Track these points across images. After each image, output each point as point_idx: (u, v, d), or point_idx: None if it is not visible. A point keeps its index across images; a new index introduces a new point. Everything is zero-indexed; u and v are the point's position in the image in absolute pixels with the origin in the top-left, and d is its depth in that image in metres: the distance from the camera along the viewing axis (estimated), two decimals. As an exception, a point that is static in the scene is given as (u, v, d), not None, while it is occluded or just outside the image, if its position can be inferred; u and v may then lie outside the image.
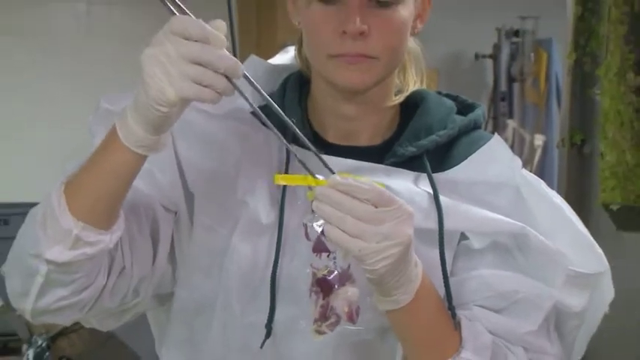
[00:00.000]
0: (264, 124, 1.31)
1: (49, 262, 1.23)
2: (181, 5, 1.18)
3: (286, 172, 1.31)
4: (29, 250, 1.25)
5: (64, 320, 1.34)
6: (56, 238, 1.22)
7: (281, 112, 1.22)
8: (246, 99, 1.22)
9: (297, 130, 1.23)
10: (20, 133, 6.38)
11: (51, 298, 1.27)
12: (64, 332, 3.58)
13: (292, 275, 1.32)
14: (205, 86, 1.12)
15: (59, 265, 1.23)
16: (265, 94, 1.22)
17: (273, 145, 1.36)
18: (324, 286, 1.21)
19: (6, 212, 5.99)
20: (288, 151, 1.32)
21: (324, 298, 1.21)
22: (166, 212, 1.36)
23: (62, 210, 1.22)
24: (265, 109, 1.33)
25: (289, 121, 1.23)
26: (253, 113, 1.36)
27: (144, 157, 1.21)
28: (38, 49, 6.53)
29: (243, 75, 1.16)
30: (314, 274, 1.22)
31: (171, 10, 1.17)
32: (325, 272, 1.21)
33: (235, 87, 1.16)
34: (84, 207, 1.22)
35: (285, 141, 1.23)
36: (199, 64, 1.11)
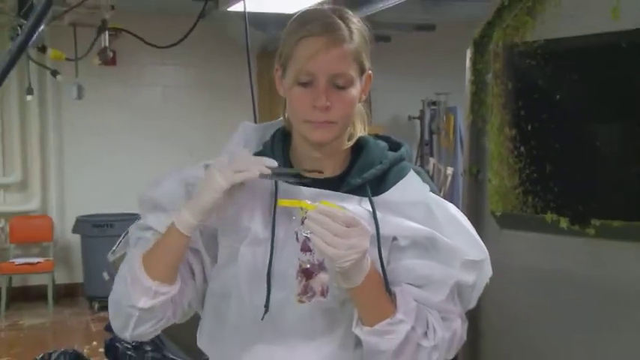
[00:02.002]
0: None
1: (139, 309, 1.28)
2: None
3: (275, 199, 1.30)
4: (126, 303, 1.29)
5: (150, 337, 1.39)
6: (142, 293, 1.27)
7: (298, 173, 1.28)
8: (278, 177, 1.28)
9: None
10: (121, 170, 6.37)
11: (142, 329, 1.32)
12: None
13: (281, 270, 1.29)
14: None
15: (146, 310, 1.28)
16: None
17: (262, 186, 1.32)
18: (306, 273, 1.22)
19: (112, 219, 5.99)
20: (276, 186, 1.31)
21: (306, 281, 1.22)
22: (192, 253, 1.35)
23: (142, 275, 1.27)
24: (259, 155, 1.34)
25: (304, 171, 1.28)
26: None
27: (189, 237, 1.27)
28: (129, 114, 6.55)
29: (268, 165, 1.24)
30: (300, 265, 1.22)
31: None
32: (308, 264, 1.22)
33: (271, 170, 1.24)
34: (156, 272, 1.27)
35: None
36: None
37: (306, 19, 1.28)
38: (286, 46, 1.29)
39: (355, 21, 1.29)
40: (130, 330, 1.30)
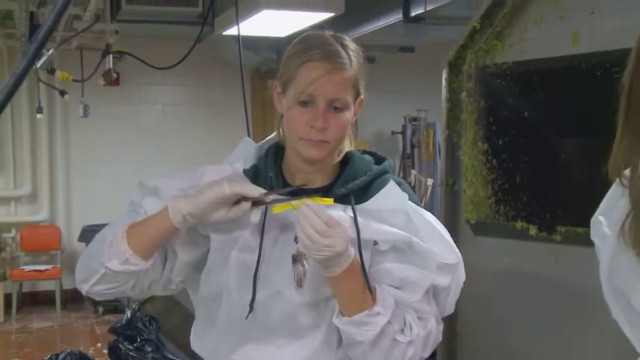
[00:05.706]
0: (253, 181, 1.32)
1: (107, 268, 1.26)
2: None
3: (265, 208, 1.27)
4: (97, 260, 1.27)
5: (104, 299, 1.36)
6: (115, 255, 1.25)
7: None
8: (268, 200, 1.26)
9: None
10: (124, 182, 6.30)
11: (99, 288, 1.30)
12: (149, 299, 3.50)
13: (267, 274, 1.28)
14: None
15: (112, 272, 1.26)
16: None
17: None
18: (294, 259, 1.23)
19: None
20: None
21: (294, 264, 1.23)
22: (171, 247, 1.33)
23: (122, 240, 1.25)
24: (252, 169, 1.35)
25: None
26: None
27: (177, 229, 1.26)
28: (132, 130, 6.54)
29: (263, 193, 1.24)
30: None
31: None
32: (297, 250, 1.23)
33: (266, 196, 1.24)
34: (135, 243, 1.25)
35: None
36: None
37: (309, 44, 1.27)
38: (288, 68, 1.28)
39: (353, 48, 1.29)
40: (89, 285, 1.29)
